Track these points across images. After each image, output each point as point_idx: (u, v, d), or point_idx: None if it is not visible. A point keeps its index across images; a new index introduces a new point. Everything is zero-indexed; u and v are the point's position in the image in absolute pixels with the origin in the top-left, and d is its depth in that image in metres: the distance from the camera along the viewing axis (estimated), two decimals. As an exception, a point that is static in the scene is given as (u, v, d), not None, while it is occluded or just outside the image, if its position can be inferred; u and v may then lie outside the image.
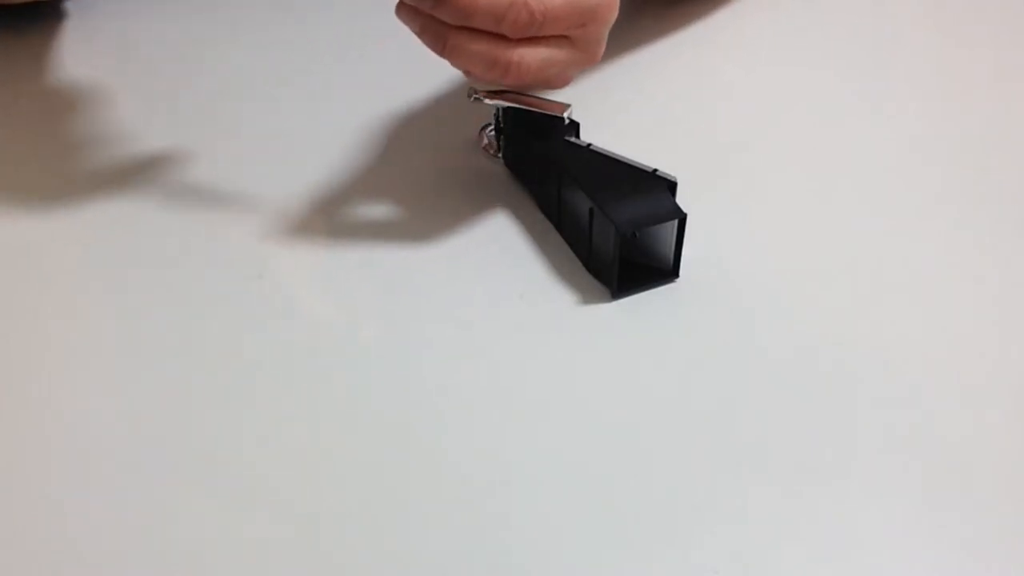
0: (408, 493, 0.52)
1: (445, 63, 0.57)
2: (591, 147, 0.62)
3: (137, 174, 0.67)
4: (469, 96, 0.64)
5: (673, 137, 0.70)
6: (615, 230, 0.58)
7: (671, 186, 0.60)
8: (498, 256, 0.63)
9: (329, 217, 0.65)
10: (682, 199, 0.60)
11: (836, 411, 0.55)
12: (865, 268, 0.62)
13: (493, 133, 0.68)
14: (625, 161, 0.61)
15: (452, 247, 0.63)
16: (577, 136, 0.63)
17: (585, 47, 0.59)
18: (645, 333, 0.59)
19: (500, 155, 0.67)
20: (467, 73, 0.59)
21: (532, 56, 0.57)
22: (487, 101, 0.64)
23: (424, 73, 0.74)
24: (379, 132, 0.70)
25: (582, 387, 0.56)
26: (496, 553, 0.49)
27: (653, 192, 0.59)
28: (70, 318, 0.60)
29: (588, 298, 0.60)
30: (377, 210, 0.65)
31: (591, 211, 0.59)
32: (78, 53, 0.75)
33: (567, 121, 0.63)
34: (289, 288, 0.61)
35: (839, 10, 0.85)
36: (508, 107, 0.64)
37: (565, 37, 0.58)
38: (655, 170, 0.60)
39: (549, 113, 0.63)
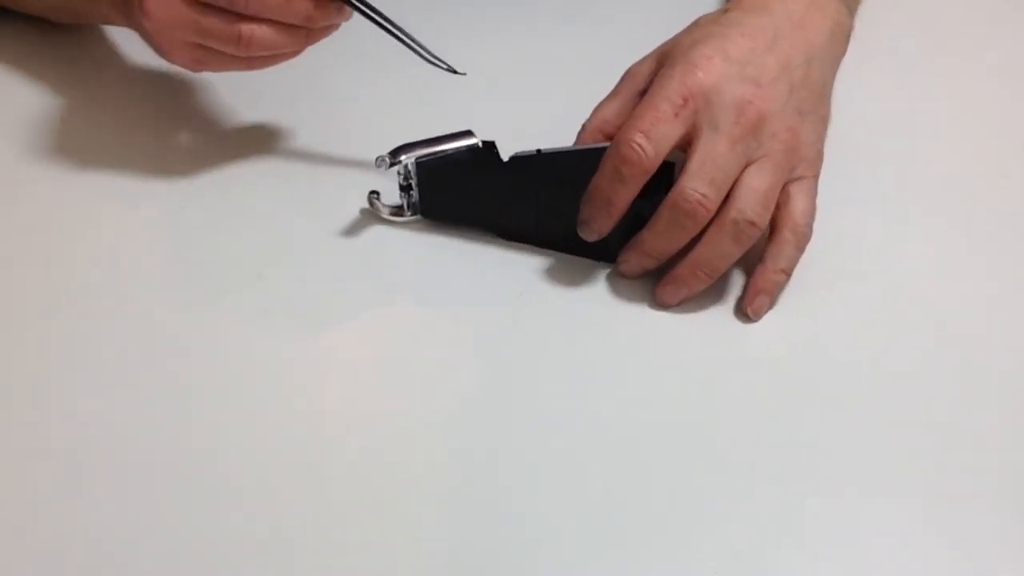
0: (409, 492, 0.52)
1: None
2: (542, 151, 0.61)
3: (136, 174, 0.67)
4: (377, 165, 0.61)
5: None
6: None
7: None
8: (496, 256, 0.63)
9: (329, 217, 0.64)
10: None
11: (836, 412, 0.55)
12: (864, 267, 0.63)
13: (378, 195, 0.64)
14: (586, 148, 0.60)
15: (452, 247, 0.63)
16: (497, 153, 0.62)
17: None
18: (646, 333, 0.59)
19: (410, 213, 0.64)
20: None
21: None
22: (400, 154, 0.61)
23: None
24: (379, 132, 0.70)
25: (582, 387, 0.56)
26: (497, 552, 0.50)
27: None
28: (69, 318, 0.60)
29: (588, 296, 0.61)
30: (377, 210, 0.65)
31: None
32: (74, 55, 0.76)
33: (480, 144, 0.61)
34: (289, 288, 0.61)
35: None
36: (421, 158, 0.61)
37: None
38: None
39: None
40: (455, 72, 0.62)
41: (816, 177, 0.60)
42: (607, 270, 0.62)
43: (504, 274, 0.62)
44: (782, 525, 0.50)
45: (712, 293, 0.61)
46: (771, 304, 0.59)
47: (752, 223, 0.57)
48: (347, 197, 0.64)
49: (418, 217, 0.64)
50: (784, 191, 0.59)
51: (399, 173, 0.62)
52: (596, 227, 0.59)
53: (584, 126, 0.62)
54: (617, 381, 0.57)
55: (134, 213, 0.65)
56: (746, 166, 0.57)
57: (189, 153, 0.68)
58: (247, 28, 0.58)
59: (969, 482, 0.52)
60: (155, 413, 0.55)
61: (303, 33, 0.60)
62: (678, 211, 0.57)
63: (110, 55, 0.74)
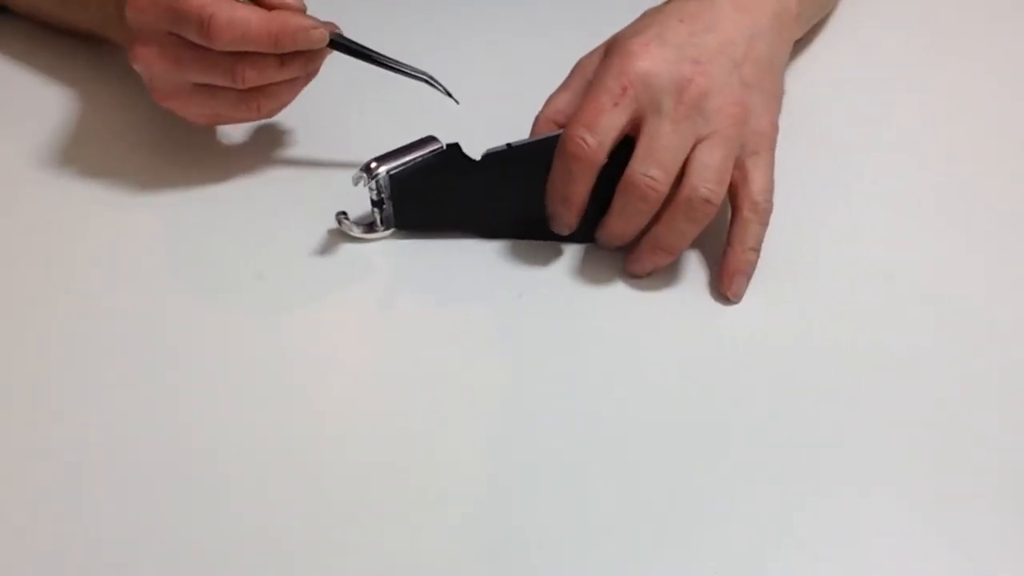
0: (409, 492, 0.52)
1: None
2: (511, 145, 0.61)
3: (139, 177, 0.67)
4: (355, 183, 0.61)
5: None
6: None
7: None
8: (490, 251, 0.63)
9: (327, 219, 0.64)
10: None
11: (836, 411, 0.55)
12: (864, 265, 0.63)
13: (346, 215, 0.63)
14: (554, 134, 0.61)
15: (446, 246, 0.63)
16: (465, 154, 0.62)
17: None
18: (644, 329, 0.59)
19: (383, 228, 0.63)
20: None
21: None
22: (375, 168, 0.60)
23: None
24: (379, 134, 0.70)
25: (582, 385, 0.57)
26: (496, 551, 0.50)
27: None
28: (69, 318, 0.60)
29: (580, 287, 0.61)
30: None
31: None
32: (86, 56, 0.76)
33: (444, 148, 0.62)
34: (289, 288, 0.61)
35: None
36: (393, 170, 0.61)
37: None
38: None
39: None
40: (450, 96, 0.63)
41: (771, 151, 0.61)
42: (595, 255, 0.62)
43: (501, 269, 0.62)
44: (782, 525, 0.50)
45: (711, 292, 0.61)
46: (748, 282, 0.60)
47: (706, 200, 0.57)
48: (346, 200, 0.63)
49: (392, 231, 0.64)
50: (740, 168, 0.59)
51: (370, 188, 0.61)
52: (563, 222, 0.61)
53: (537, 117, 0.63)
54: (616, 380, 0.57)
55: (134, 215, 0.65)
56: (696, 144, 0.58)
57: (190, 155, 0.68)
58: (239, 66, 0.59)
59: (969, 481, 0.52)
60: (154, 413, 0.55)
61: (304, 80, 0.63)
62: (630, 196, 0.58)
63: (114, 58, 0.74)
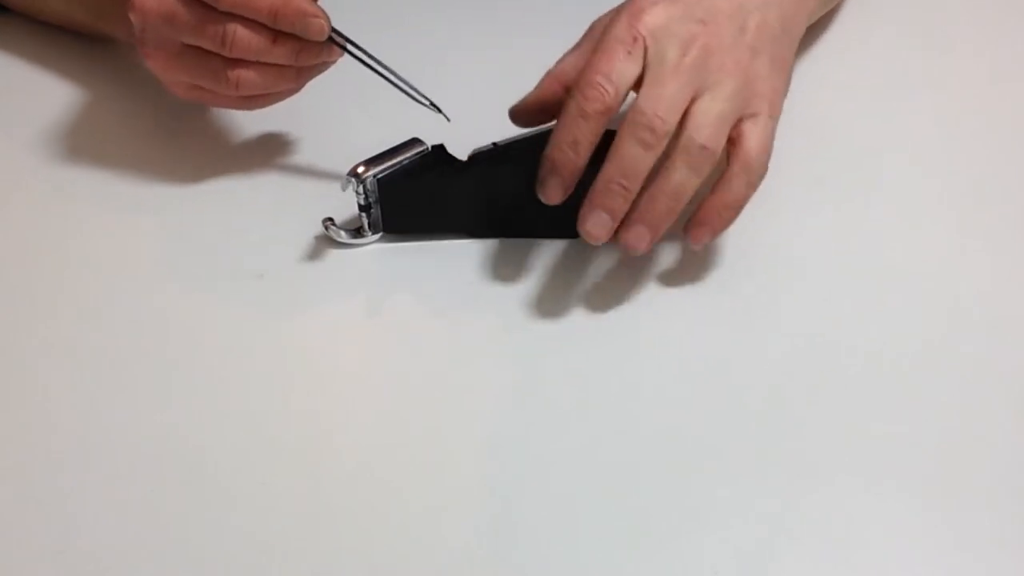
0: (407, 488, 0.52)
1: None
2: (497, 144, 0.62)
3: (138, 178, 0.67)
4: (344, 188, 0.61)
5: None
6: None
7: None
8: (486, 252, 0.63)
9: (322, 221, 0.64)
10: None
11: (836, 411, 0.55)
12: (863, 263, 0.62)
13: (332, 221, 0.63)
14: (539, 131, 0.61)
15: (444, 247, 0.63)
16: (451, 155, 0.62)
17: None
18: (641, 328, 0.59)
19: (371, 233, 0.63)
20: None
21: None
22: (363, 173, 0.60)
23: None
24: (378, 137, 0.70)
25: (580, 386, 0.57)
26: (496, 552, 0.50)
27: None
28: (69, 318, 0.60)
29: (574, 293, 0.61)
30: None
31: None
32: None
33: (429, 149, 0.62)
34: (289, 288, 0.61)
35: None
36: (380, 174, 0.61)
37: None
38: None
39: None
40: (441, 113, 0.63)
41: (771, 117, 0.60)
42: (589, 253, 0.62)
43: (498, 270, 0.62)
44: (782, 524, 0.50)
45: (709, 290, 0.61)
46: (712, 236, 0.58)
47: (703, 147, 0.56)
48: (346, 201, 0.64)
49: (380, 236, 0.63)
50: (736, 128, 0.58)
51: (357, 193, 0.61)
52: (561, 174, 0.57)
53: (546, 74, 0.62)
54: (614, 380, 0.57)
55: (133, 215, 0.65)
56: (696, 98, 0.57)
57: (192, 156, 0.68)
58: (231, 27, 0.58)
59: (971, 480, 0.52)
60: (153, 411, 0.55)
61: (292, 72, 0.62)
62: (637, 127, 0.56)
63: (114, 58, 0.74)
